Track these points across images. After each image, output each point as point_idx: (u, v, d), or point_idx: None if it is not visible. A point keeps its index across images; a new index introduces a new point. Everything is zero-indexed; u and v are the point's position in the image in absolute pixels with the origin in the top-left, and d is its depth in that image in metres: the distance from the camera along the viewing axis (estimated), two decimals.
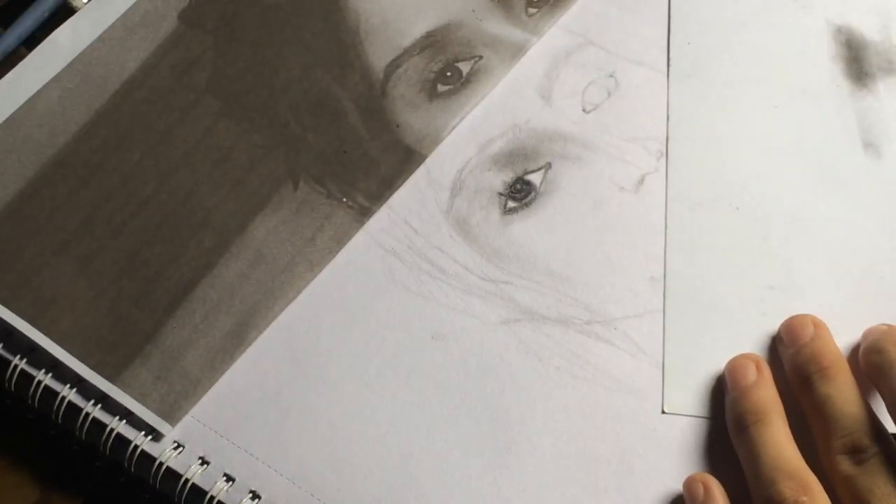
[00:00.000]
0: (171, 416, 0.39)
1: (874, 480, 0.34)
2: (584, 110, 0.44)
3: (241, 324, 0.40)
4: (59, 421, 0.40)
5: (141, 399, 0.39)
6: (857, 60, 0.44)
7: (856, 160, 0.42)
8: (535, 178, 0.43)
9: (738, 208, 0.42)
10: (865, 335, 0.38)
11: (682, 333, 0.40)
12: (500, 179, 0.43)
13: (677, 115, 0.44)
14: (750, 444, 0.36)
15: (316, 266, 0.41)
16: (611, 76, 0.45)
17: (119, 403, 0.39)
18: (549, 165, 0.43)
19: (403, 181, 0.43)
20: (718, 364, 0.39)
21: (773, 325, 0.40)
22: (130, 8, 0.44)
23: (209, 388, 0.39)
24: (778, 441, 0.35)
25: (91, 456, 0.40)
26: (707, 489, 0.36)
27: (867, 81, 0.44)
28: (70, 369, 0.39)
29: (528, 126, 0.44)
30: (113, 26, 0.44)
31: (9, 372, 0.40)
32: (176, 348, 0.39)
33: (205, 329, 0.40)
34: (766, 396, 0.37)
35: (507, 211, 0.42)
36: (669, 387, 0.39)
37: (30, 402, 0.40)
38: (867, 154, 0.43)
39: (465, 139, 0.44)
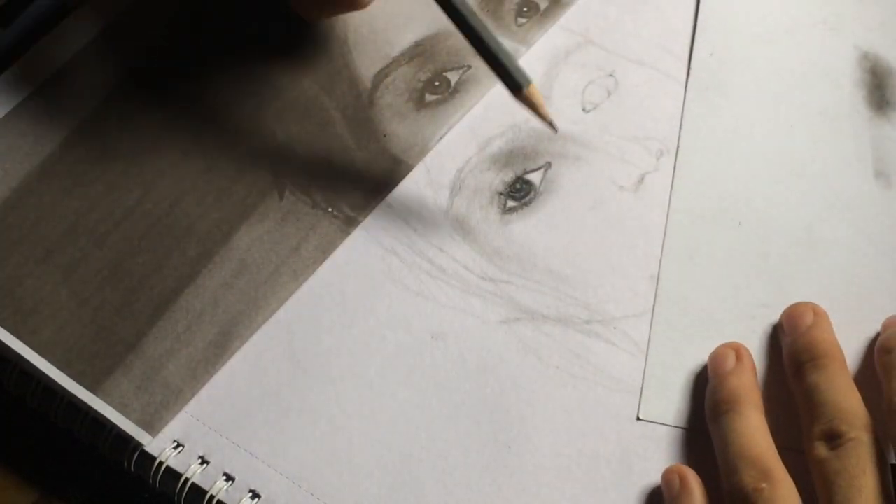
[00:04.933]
0: (152, 427, 0.38)
1: (844, 463, 0.34)
2: (583, 110, 0.44)
3: (224, 334, 0.40)
4: (59, 421, 0.40)
5: (121, 409, 0.38)
6: (880, 88, 0.44)
7: (866, 188, 0.42)
8: (534, 177, 0.43)
9: (740, 223, 0.42)
10: (885, 327, 0.39)
11: (668, 342, 0.40)
12: (499, 179, 0.43)
13: (691, 125, 0.44)
14: (722, 431, 0.36)
15: (300, 276, 0.41)
16: (611, 76, 0.45)
17: (99, 413, 0.38)
18: (548, 165, 0.43)
19: (390, 191, 0.42)
20: (702, 376, 0.39)
21: (762, 344, 0.39)
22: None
23: (190, 398, 0.39)
24: (748, 430, 0.36)
25: (91, 456, 0.40)
26: (683, 480, 0.36)
27: (888, 111, 0.43)
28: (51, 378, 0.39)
29: (528, 126, 0.44)
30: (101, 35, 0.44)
31: (7, 372, 0.40)
32: (158, 358, 0.39)
33: (187, 339, 0.40)
34: (742, 385, 0.37)
35: (507, 210, 0.42)
36: (647, 393, 0.39)
37: (29, 402, 0.40)
38: (878, 183, 0.42)
39: (464, 139, 0.44)
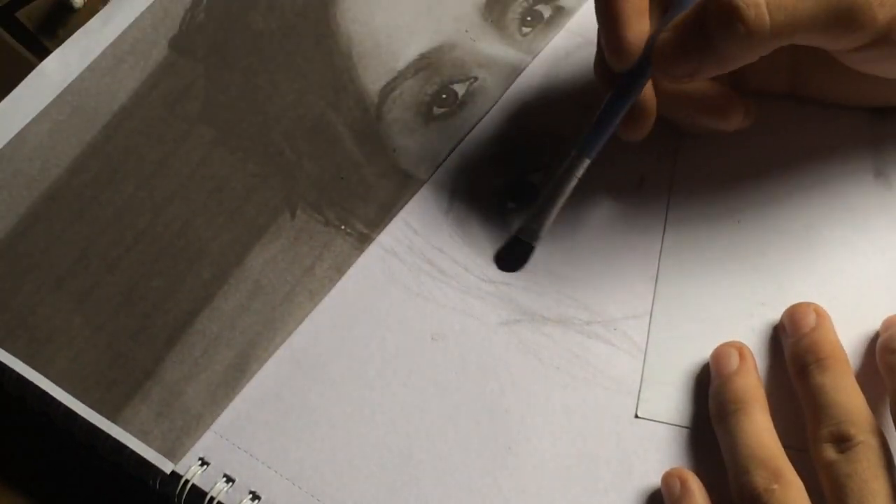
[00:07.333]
0: (173, 454, 0.38)
1: (854, 467, 0.34)
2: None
3: (242, 356, 0.40)
4: (58, 422, 0.39)
5: (142, 437, 0.38)
6: None
7: (865, 187, 0.42)
8: (535, 178, 0.43)
9: (739, 222, 0.42)
10: (885, 327, 0.39)
11: (667, 339, 0.40)
12: (499, 180, 0.43)
13: None
14: (729, 432, 0.36)
15: (316, 295, 0.41)
16: None
17: (120, 442, 0.38)
18: (548, 166, 0.43)
19: (402, 206, 0.42)
20: (701, 374, 0.39)
21: (761, 342, 0.40)
22: (119, 36, 0.44)
23: (211, 423, 0.39)
24: (755, 430, 0.36)
25: (91, 456, 0.40)
26: (683, 483, 0.36)
27: (888, 110, 0.44)
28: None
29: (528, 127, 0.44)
30: (102, 55, 0.43)
31: (8, 373, 0.40)
32: (176, 383, 0.39)
33: (205, 363, 0.39)
34: (747, 385, 0.37)
35: (507, 212, 0.42)
36: (646, 391, 0.39)
37: (29, 402, 0.40)
38: (877, 182, 0.42)
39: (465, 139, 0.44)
